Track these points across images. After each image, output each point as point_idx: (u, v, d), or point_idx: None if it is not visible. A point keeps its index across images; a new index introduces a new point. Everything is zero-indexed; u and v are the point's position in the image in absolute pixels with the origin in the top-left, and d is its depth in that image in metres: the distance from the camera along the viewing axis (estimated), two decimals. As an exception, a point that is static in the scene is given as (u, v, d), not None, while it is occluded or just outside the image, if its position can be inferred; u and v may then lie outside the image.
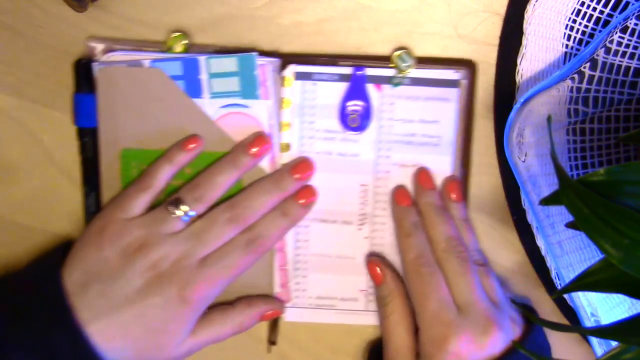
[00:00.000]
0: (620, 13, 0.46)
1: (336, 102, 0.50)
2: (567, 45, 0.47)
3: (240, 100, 0.49)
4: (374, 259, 0.50)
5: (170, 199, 0.47)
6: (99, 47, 0.49)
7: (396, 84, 0.49)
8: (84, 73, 0.49)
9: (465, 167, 0.50)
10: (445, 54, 0.49)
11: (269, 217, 0.48)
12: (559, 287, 0.48)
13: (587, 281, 0.37)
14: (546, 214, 0.47)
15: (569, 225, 0.40)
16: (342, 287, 0.51)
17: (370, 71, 0.49)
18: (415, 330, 0.47)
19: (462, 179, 0.50)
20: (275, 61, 0.49)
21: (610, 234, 0.34)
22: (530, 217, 0.48)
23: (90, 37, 0.49)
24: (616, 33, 0.45)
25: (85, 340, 0.44)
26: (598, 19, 0.47)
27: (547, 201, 0.38)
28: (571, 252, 0.48)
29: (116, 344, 0.45)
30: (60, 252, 0.48)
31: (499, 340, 0.45)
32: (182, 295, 0.45)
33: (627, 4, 0.46)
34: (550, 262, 0.48)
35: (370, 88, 0.49)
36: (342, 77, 0.49)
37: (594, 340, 0.46)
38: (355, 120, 0.50)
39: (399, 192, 0.50)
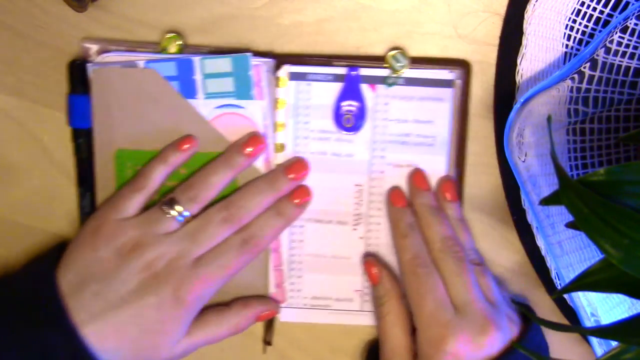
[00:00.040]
0: (620, 13, 0.46)
1: (330, 103, 0.49)
2: (567, 45, 0.47)
3: (234, 100, 0.48)
4: (371, 259, 0.50)
5: (164, 199, 0.47)
6: (94, 47, 0.49)
7: (390, 84, 0.49)
8: (78, 74, 0.49)
9: (459, 167, 0.50)
10: (445, 54, 0.49)
11: (263, 217, 0.48)
12: (559, 287, 0.48)
13: (587, 281, 0.37)
14: (546, 214, 0.47)
15: (569, 225, 0.40)
16: (337, 288, 0.51)
17: (364, 71, 0.49)
18: (412, 331, 0.47)
19: (456, 179, 0.50)
20: (270, 61, 0.49)
21: (610, 234, 0.34)
22: (530, 217, 0.48)
23: (85, 38, 0.49)
24: (616, 33, 0.45)
25: (80, 341, 0.44)
26: (598, 19, 0.47)
27: (547, 201, 0.39)
28: (571, 252, 0.48)
29: (111, 345, 0.45)
30: (55, 252, 0.48)
31: (497, 339, 0.45)
32: (177, 296, 0.45)
33: (627, 4, 0.46)
34: (550, 262, 0.48)
35: (365, 88, 0.49)
36: (337, 78, 0.49)
37: (594, 340, 0.46)
38: (349, 121, 0.49)
39: (394, 194, 0.50)
